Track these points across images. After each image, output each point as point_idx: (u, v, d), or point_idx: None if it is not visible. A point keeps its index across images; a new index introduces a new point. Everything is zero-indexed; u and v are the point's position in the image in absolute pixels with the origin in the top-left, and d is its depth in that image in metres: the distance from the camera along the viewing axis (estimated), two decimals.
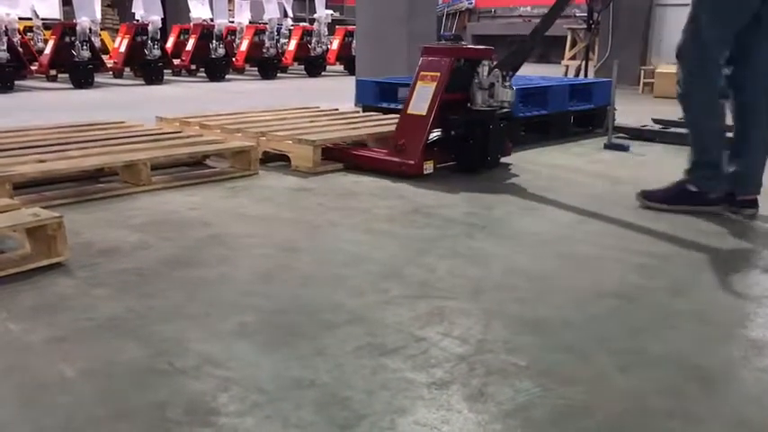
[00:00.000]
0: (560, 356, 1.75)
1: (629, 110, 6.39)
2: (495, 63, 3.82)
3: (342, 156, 4.06)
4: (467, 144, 3.84)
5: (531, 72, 8.01)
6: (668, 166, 4.30)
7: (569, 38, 11.24)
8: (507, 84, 3.79)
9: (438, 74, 3.79)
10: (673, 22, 9.67)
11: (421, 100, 3.81)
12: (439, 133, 3.89)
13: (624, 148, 4.73)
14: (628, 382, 1.63)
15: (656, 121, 5.59)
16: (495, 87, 3.77)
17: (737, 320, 2.01)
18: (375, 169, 3.85)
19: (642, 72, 9.34)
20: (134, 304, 2.03)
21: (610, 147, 4.78)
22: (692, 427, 1.46)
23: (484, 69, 3.79)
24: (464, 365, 1.68)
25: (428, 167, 3.76)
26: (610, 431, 1.44)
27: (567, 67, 10.89)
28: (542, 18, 3.92)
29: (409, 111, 3.86)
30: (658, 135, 5.18)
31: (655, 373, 1.68)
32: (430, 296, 2.13)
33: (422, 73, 3.87)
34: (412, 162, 3.72)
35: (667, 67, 8.73)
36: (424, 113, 3.77)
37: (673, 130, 5.26)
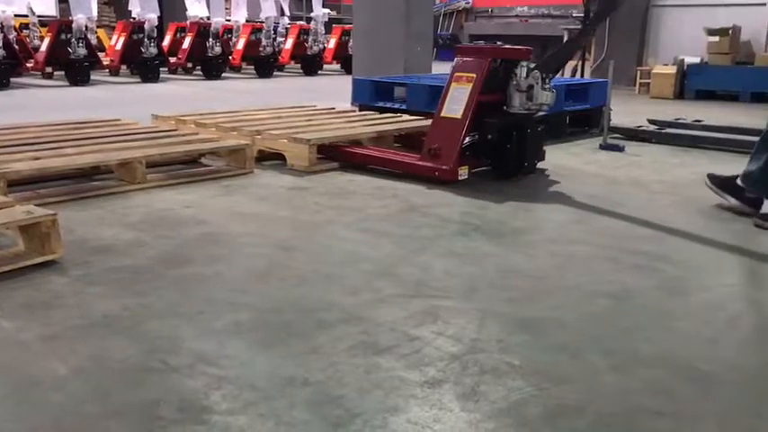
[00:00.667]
0: (553, 356, 1.75)
1: (625, 110, 6.41)
2: (534, 64, 3.67)
3: (362, 158, 3.97)
4: (504, 149, 3.66)
5: None
6: (663, 166, 4.31)
7: (566, 38, 11.25)
8: (547, 86, 3.63)
9: (474, 75, 3.62)
10: (669, 23, 9.69)
11: (455, 102, 3.65)
12: (471, 137, 3.71)
13: (619, 149, 4.73)
14: (620, 382, 1.63)
15: (651, 121, 5.61)
16: (534, 89, 3.60)
17: (729, 320, 2.01)
18: (405, 174, 3.73)
19: (638, 72, 9.36)
20: (128, 302, 2.03)
21: (605, 147, 4.78)
22: (682, 426, 1.46)
23: (522, 70, 3.62)
24: (457, 364, 1.69)
25: (463, 173, 3.59)
26: (601, 430, 1.44)
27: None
28: (591, 20, 3.77)
29: (443, 113, 3.69)
30: (654, 135, 5.20)
31: (647, 372, 1.68)
32: (424, 295, 2.13)
33: (456, 74, 3.69)
34: (447, 167, 3.56)
35: (663, 67, 8.75)
36: (459, 116, 3.61)
37: (668, 130, 5.28)
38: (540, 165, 3.94)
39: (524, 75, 3.62)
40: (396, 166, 3.84)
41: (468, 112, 3.60)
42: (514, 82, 3.63)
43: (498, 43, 3.84)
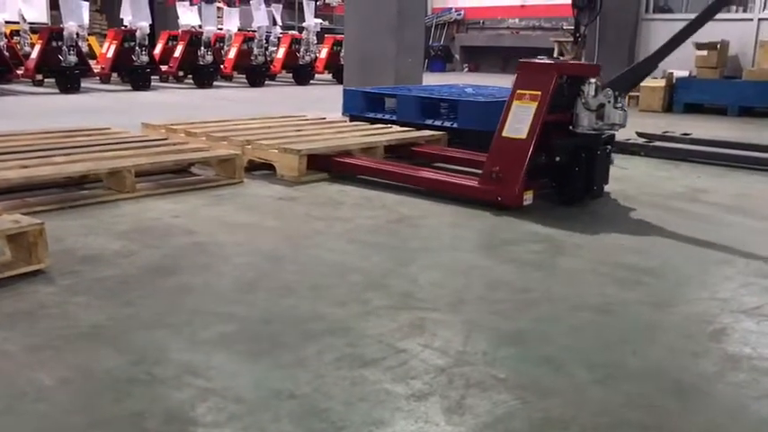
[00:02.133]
0: (539, 369, 1.76)
1: None
2: (605, 82, 3.47)
3: (404, 179, 3.76)
4: (571, 171, 3.41)
5: None
6: (651, 178, 4.34)
7: (556, 50, 11.34)
8: (619, 105, 3.39)
9: (539, 92, 3.35)
10: (659, 35, 9.77)
11: (518, 121, 3.38)
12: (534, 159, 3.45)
13: None
14: (605, 395, 1.64)
15: (639, 134, 5.64)
16: (604, 108, 3.37)
17: (714, 334, 2.03)
18: (460, 198, 3.50)
19: None
20: (115, 312, 2.03)
21: None
22: None
23: (590, 88, 3.40)
24: (443, 377, 1.69)
25: (527, 198, 3.34)
26: None
27: None
28: (668, 41, 3.59)
29: (505, 133, 3.42)
30: (642, 148, 5.23)
31: (631, 386, 1.69)
32: (412, 307, 2.13)
33: (519, 91, 3.42)
34: (511, 192, 3.31)
35: (652, 81, 8.81)
36: (524, 137, 3.34)
37: (656, 143, 5.32)
38: None
39: (593, 92, 3.40)
40: (450, 189, 3.58)
41: (533, 133, 3.33)
42: (582, 100, 3.40)
43: (560, 60, 3.54)
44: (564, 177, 3.46)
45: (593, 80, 3.44)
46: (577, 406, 1.58)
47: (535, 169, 3.37)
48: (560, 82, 3.40)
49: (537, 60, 3.64)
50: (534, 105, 3.35)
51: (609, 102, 3.38)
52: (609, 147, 3.58)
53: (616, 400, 1.61)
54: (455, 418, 1.51)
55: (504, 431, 1.47)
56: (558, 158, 3.38)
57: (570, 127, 3.46)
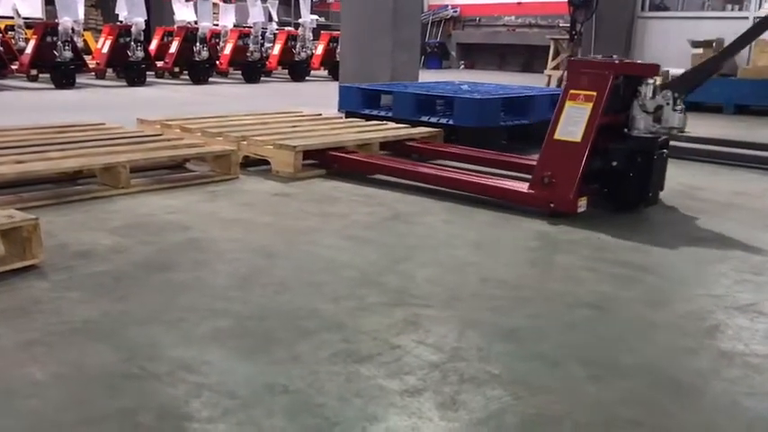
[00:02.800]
0: (533, 365, 1.76)
1: None
2: (664, 82, 3.33)
3: (448, 182, 3.60)
4: (626, 177, 3.24)
5: (514, 81, 8.07)
6: None
7: (552, 48, 11.33)
8: (679, 107, 3.21)
9: (594, 93, 3.21)
10: (654, 34, 9.78)
11: (572, 123, 3.23)
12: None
13: None
14: (598, 392, 1.64)
15: None
16: (662, 111, 3.21)
17: (708, 331, 2.03)
18: (509, 204, 3.34)
19: None
20: (108, 308, 2.02)
21: None
22: None
23: (648, 89, 3.23)
24: (437, 373, 1.69)
25: (582, 204, 3.18)
26: None
27: (550, 76, 10.97)
28: (733, 42, 3.41)
29: (557, 136, 3.28)
30: None
31: (625, 383, 1.69)
32: (406, 303, 2.13)
33: (572, 91, 3.29)
34: (565, 198, 3.15)
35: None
36: (579, 140, 3.19)
37: None
38: None
39: (650, 94, 3.24)
40: (497, 194, 3.42)
41: (589, 135, 3.18)
42: (639, 102, 3.24)
43: (605, 57, 3.41)
44: (618, 183, 3.28)
45: (650, 80, 3.27)
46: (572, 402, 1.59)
47: (587, 174, 3.21)
48: (616, 82, 3.24)
49: (592, 59, 3.50)
50: (589, 107, 3.21)
51: (667, 104, 3.21)
52: (665, 151, 3.41)
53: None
54: (449, 414, 1.51)
55: (497, 427, 1.47)
56: (614, 163, 3.22)
57: (625, 130, 3.31)
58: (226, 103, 8.17)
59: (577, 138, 3.21)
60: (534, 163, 3.42)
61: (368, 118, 5.26)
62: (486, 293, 2.25)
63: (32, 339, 1.80)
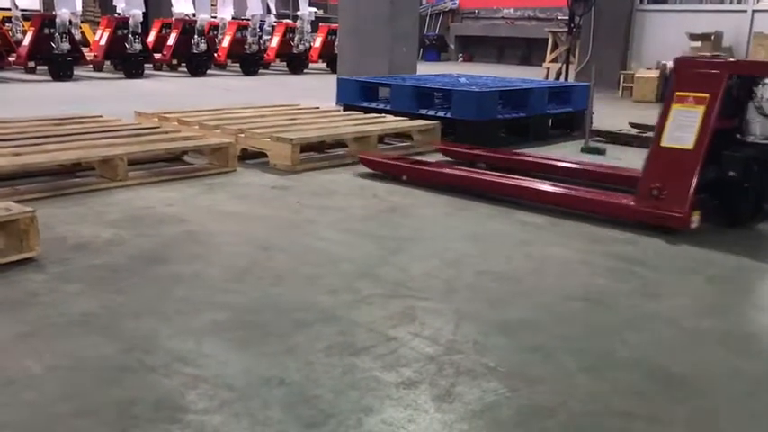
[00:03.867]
0: (528, 357, 1.77)
1: (608, 113, 6.45)
2: None
3: (546, 198, 3.25)
4: (741, 188, 2.94)
5: (512, 74, 8.07)
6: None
7: (550, 41, 11.31)
8: None
9: (706, 95, 2.91)
10: (653, 27, 9.76)
11: (681, 129, 2.94)
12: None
13: (600, 152, 4.77)
14: (592, 384, 1.65)
15: (633, 125, 5.65)
16: None
17: (703, 323, 2.04)
18: (608, 218, 3.04)
19: (621, 76, 9.43)
20: (106, 300, 2.03)
21: (587, 150, 4.82)
22: (654, 427, 1.48)
23: (765, 90, 2.93)
24: (433, 365, 1.70)
25: (695, 220, 2.84)
26: (572, 431, 1.46)
27: (548, 69, 10.96)
28: None
29: (665, 143, 2.98)
30: (635, 139, 5.24)
31: (619, 374, 1.70)
32: (402, 296, 2.14)
33: (679, 93, 3.00)
34: (678, 213, 2.84)
35: (646, 71, 8.82)
36: (690, 147, 2.89)
37: (649, 134, 5.32)
38: None
39: None
40: (596, 208, 3.10)
41: (702, 142, 2.88)
42: (756, 104, 2.96)
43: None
44: (731, 194, 2.98)
45: (767, 80, 2.97)
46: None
47: (699, 185, 2.89)
48: (729, 83, 2.94)
49: (701, 58, 3.23)
50: (701, 110, 2.92)
51: None
52: None
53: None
54: (444, 406, 1.52)
55: (493, 419, 1.48)
56: (732, 173, 2.92)
57: (737, 135, 3.03)
58: (223, 95, 8.15)
59: (689, 145, 2.91)
60: (615, 173, 3.22)
61: (366, 111, 5.26)
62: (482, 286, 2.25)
63: (30, 331, 1.81)
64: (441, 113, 4.94)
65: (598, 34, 9.98)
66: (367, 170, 3.85)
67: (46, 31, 9.16)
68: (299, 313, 1.98)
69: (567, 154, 4.78)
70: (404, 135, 4.82)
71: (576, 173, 3.85)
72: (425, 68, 8.73)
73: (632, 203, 3.01)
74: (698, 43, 8.64)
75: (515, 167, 3.96)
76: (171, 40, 11.02)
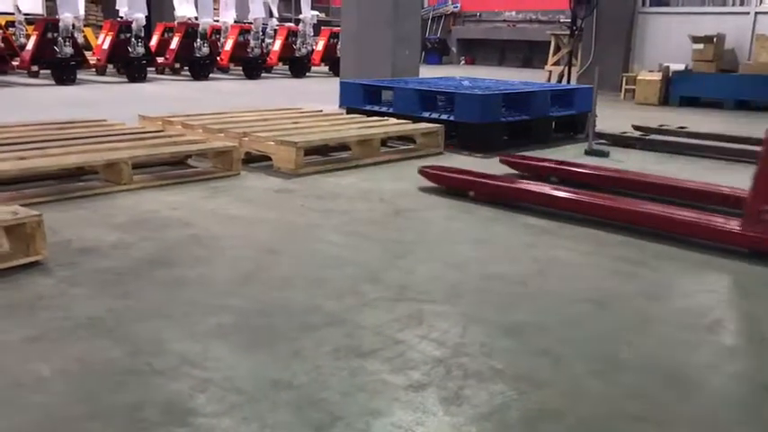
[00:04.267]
0: (535, 360, 1.77)
1: (611, 116, 6.45)
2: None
3: (635, 218, 2.95)
4: None
5: (514, 77, 8.07)
6: (647, 171, 4.35)
7: (553, 43, 11.32)
8: None
9: None
10: (655, 30, 9.77)
11: None
12: None
13: (604, 155, 4.77)
14: (600, 386, 1.65)
15: (636, 127, 5.65)
16: None
17: (709, 325, 2.04)
18: (696, 239, 2.79)
19: (624, 79, 9.43)
20: (112, 304, 2.03)
21: (590, 153, 4.82)
22: (663, 430, 1.48)
23: None
24: (441, 368, 1.70)
25: None
26: None
27: (551, 72, 10.96)
28: None
29: None
30: (638, 142, 5.24)
31: (627, 377, 1.70)
32: (408, 299, 2.14)
33: None
34: None
35: (649, 74, 8.82)
36: None
37: (652, 137, 5.32)
38: None
39: None
40: (696, 232, 2.80)
41: None
42: None
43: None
44: None
45: None
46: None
47: None
48: None
49: None
50: None
51: None
52: None
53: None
54: (453, 409, 1.52)
55: (501, 421, 1.48)
56: None
57: None
58: (227, 99, 8.16)
59: None
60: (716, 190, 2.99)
61: (369, 114, 5.26)
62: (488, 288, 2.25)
63: (37, 335, 1.81)
64: (444, 116, 4.95)
65: (600, 37, 9.99)
66: (372, 174, 3.85)
67: (49, 35, 9.17)
68: (306, 316, 1.98)
69: (570, 156, 4.79)
70: (407, 138, 4.82)
71: (662, 189, 3.53)
72: (427, 71, 8.74)
73: (736, 228, 2.70)
74: (700, 45, 8.64)
75: (592, 182, 3.64)
76: (173, 44, 11.03)
